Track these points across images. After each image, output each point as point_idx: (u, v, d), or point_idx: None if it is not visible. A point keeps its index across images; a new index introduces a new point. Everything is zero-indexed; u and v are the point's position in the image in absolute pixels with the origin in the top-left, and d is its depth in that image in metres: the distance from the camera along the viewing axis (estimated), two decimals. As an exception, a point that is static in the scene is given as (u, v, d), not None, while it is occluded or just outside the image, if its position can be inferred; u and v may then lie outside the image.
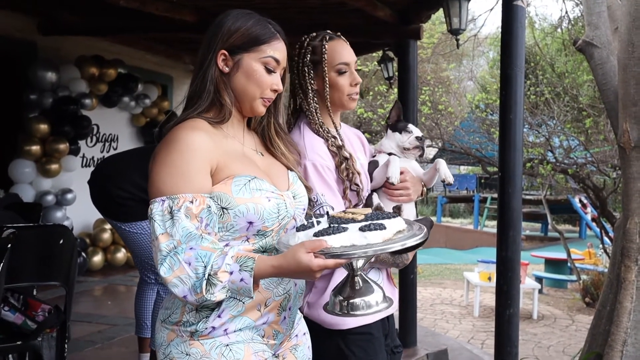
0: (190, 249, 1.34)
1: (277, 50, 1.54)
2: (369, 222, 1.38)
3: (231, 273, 1.32)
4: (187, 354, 1.45)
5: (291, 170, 1.65)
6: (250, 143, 1.60)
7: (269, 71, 1.53)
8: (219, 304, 1.43)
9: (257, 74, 1.52)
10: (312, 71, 1.91)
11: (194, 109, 1.50)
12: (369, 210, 1.48)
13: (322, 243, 1.30)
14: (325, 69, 1.89)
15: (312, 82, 1.90)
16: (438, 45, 15.94)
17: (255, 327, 1.50)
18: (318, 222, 1.41)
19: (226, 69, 1.51)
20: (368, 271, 1.85)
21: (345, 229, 1.36)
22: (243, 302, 1.46)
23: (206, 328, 1.45)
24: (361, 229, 1.34)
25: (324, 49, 1.89)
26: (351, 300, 1.41)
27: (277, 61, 1.54)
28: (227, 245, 1.46)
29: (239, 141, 1.56)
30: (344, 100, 1.94)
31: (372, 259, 1.44)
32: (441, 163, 2.09)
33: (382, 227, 1.35)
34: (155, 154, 1.45)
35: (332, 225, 1.38)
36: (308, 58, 1.90)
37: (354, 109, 2.06)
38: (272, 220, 1.48)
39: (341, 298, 1.43)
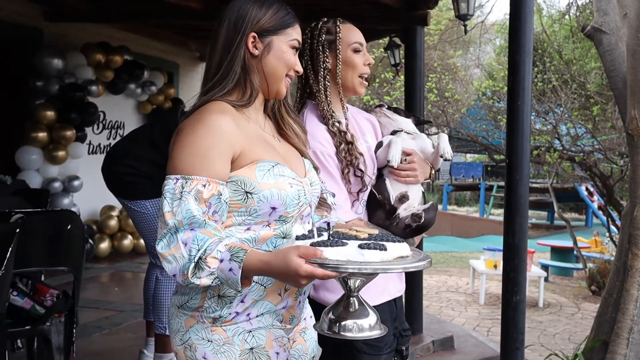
0: (191, 230, 1.35)
1: (299, 33, 1.59)
2: (370, 241, 1.33)
3: (221, 261, 1.33)
4: (208, 341, 1.45)
5: (305, 157, 1.65)
6: (268, 128, 1.61)
7: (294, 53, 1.58)
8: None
9: (287, 55, 1.55)
10: (326, 50, 1.95)
11: (219, 89, 1.51)
12: (376, 231, 1.45)
13: (316, 252, 1.27)
14: (340, 47, 1.95)
15: (327, 60, 1.95)
16: (445, 32, 15.85)
17: (275, 312, 1.51)
18: (319, 234, 1.37)
19: (256, 52, 1.52)
20: None
21: (344, 244, 1.32)
22: (265, 287, 1.46)
23: (230, 313, 1.45)
24: (360, 246, 1.30)
25: (338, 29, 1.96)
26: (343, 322, 1.35)
27: (299, 43, 1.59)
28: (248, 229, 1.46)
29: (260, 125, 1.57)
30: (355, 81, 1.98)
31: (368, 280, 1.37)
32: (442, 137, 2.08)
33: (382, 248, 1.30)
34: (179, 131, 1.45)
35: (331, 238, 1.35)
36: (323, 38, 1.95)
37: (362, 94, 2.07)
38: (293, 207, 1.48)
39: (333, 317, 1.37)
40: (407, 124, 2.14)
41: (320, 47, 1.94)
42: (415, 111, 4.66)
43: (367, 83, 2.01)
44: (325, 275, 1.27)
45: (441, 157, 2.07)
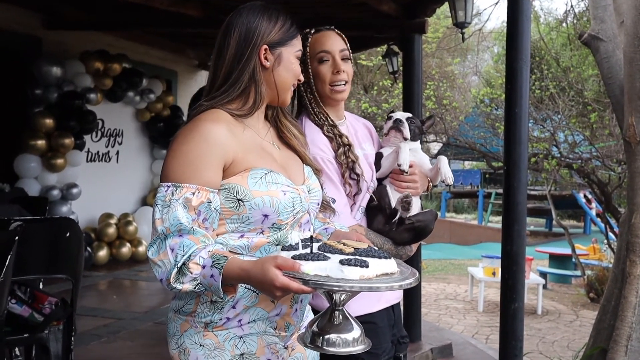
0: (179, 236, 1.37)
1: (301, 44, 1.63)
2: (352, 256, 1.30)
3: (203, 267, 1.34)
4: (200, 345, 1.47)
5: (306, 163, 1.67)
6: (268, 136, 1.63)
7: (299, 63, 1.62)
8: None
9: (294, 65, 1.60)
10: (300, 64, 1.94)
11: (221, 97, 1.52)
12: (365, 245, 1.41)
13: (294, 265, 1.27)
14: (309, 60, 1.95)
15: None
16: (443, 39, 15.91)
17: (268, 319, 1.51)
18: (305, 246, 1.35)
19: (267, 64, 1.55)
20: None
21: (326, 258, 1.29)
22: (257, 293, 1.47)
23: (221, 319, 1.46)
24: (341, 262, 1.27)
25: (307, 42, 1.95)
26: (327, 336, 1.32)
27: (302, 53, 1.64)
28: (242, 236, 1.47)
29: (258, 133, 1.59)
30: (326, 90, 1.95)
31: (353, 294, 1.33)
32: (443, 161, 2.07)
33: (363, 265, 1.27)
34: (173, 139, 1.47)
35: (313, 251, 1.33)
36: None
37: (342, 100, 2.00)
38: (287, 214, 1.49)
39: (316, 330, 1.34)
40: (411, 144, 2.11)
41: None
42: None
43: (344, 89, 1.95)
44: (300, 290, 1.26)
45: (443, 182, 2.06)
